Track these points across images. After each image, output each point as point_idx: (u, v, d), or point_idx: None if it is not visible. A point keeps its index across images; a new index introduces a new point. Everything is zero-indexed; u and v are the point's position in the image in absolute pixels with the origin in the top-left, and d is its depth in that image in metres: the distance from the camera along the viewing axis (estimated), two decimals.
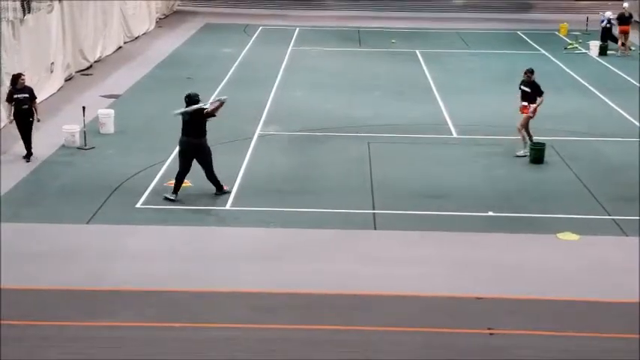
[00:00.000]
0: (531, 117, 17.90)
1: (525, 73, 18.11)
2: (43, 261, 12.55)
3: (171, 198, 15.00)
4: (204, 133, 15.16)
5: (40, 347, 10.12)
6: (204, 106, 15.13)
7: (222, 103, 15.20)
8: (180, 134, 15.18)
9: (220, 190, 15.38)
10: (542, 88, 18.05)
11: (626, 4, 31.49)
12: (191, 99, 15.11)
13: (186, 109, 15.01)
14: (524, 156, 17.69)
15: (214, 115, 15.21)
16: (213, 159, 15.31)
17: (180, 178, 15.13)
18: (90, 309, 11.10)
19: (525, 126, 17.95)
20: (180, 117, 15.08)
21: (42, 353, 9.99)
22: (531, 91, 17.92)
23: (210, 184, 15.34)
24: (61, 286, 11.73)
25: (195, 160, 15.18)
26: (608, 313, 11.31)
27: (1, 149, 17.59)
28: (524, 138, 17.95)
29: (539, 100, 17.90)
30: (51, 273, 12.16)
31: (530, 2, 43.83)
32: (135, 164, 16.97)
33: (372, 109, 22.00)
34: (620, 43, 30.47)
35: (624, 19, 30.52)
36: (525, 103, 17.95)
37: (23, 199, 15.16)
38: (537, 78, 18.30)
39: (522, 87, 18.11)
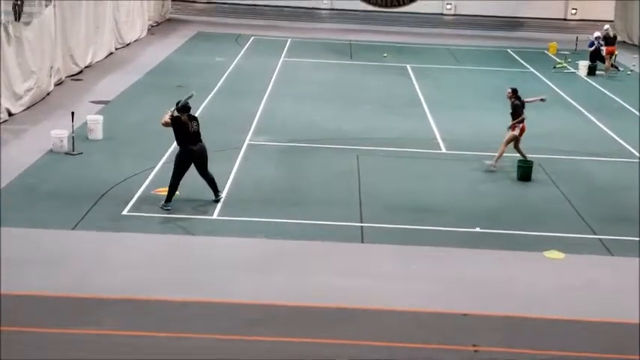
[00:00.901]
0: (516, 135, 17.97)
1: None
2: (26, 267, 12.44)
3: (169, 208, 14.91)
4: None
5: (22, 353, 10.02)
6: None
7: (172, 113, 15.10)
8: (190, 144, 14.91)
9: (217, 194, 15.39)
10: (531, 107, 18.11)
11: (607, 26, 31.76)
12: (184, 107, 15.07)
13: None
14: (492, 171, 17.87)
15: (167, 124, 15.09)
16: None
17: (176, 187, 15.05)
18: (74, 316, 11.02)
19: (509, 143, 17.99)
20: (191, 127, 14.98)
21: None
22: (512, 111, 18.07)
23: (198, 193, 15.30)
24: (45, 292, 11.65)
25: (195, 165, 15.09)
26: (592, 332, 11.32)
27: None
28: (500, 153, 18.04)
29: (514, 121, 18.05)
30: (35, 279, 12.05)
31: (520, 20, 44.10)
32: (122, 171, 16.90)
33: (362, 123, 22.02)
34: (607, 63, 30.64)
35: (609, 40, 30.73)
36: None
37: (9, 203, 15.04)
38: (527, 97, 18.36)
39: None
